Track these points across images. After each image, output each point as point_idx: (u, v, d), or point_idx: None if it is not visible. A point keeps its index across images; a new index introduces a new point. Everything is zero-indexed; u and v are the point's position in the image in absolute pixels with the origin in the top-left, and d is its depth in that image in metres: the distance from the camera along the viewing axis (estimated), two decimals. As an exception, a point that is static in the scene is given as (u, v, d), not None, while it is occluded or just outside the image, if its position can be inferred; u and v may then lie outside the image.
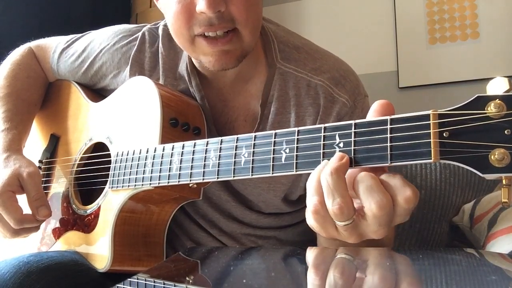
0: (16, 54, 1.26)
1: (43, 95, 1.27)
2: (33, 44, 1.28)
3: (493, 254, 0.82)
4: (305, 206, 0.63)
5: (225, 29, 0.86)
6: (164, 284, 0.55)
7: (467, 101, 0.54)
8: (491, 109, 0.52)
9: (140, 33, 1.11)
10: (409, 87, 2.35)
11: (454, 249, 1.24)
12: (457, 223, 1.42)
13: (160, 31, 1.10)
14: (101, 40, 1.15)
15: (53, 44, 1.24)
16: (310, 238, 0.98)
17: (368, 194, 0.57)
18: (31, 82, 1.23)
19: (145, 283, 0.56)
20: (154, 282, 0.56)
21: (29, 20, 2.14)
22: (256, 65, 1.01)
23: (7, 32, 2.02)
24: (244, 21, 0.87)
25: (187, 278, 0.59)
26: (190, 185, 0.88)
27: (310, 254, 0.71)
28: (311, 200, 0.61)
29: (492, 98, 0.53)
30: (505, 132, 0.51)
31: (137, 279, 0.57)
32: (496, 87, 0.53)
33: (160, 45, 1.08)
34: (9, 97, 1.17)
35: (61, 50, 1.21)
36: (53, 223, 1.11)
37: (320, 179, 0.60)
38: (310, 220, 0.63)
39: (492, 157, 0.52)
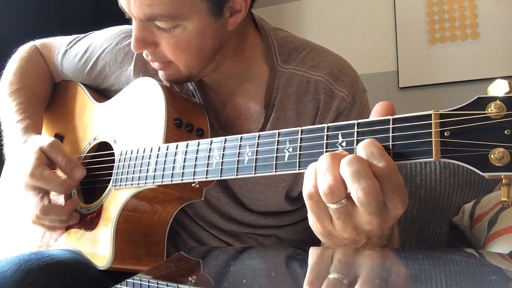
0: (23, 51, 1.26)
1: (50, 92, 1.28)
2: (38, 42, 1.29)
3: (493, 254, 0.82)
4: (305, 204, 0.63)
5: (158, 62, 0.93)
6: (167, 285, 0.55)
7: (468, 102, 0.55)
8: (492, 109, 0.53)
9: None
10: (409, 87, 2.35)
11: (454, 249, 1.24)
12: (457, 223, 1.42)
13: None
14: (103, 40, 1.16)
15: (57, 44, 1.25)
16: (311, 237, 0.99)
17: (356, 180, 0.57)
18: (39, 79, 1.24)
19: (148, 284, 0.56)
20: (157, 283, 0.56)
21: (29, 20, 2.13)
22: (254, 66, 1.01)
23: (7, 33, 2.02)
24: (174, 60, 0.92)
25: (189, 278, 0.59)
26: (193, 184, 0.89)
27: (310, 256, 0.70)
28: (306, 185, 0.62)
29: (493, 99, 0.54)
30: (505, 132, 0.52)
31: (140, 280, 0.57)
32: (497, 89, 0.54)
33: None
34: (20, 91, 1.18)
35: (64, 51, 1.22)
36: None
37: (316, 166, 0.61)
38: (309, 218, 0.64)
39: (492, 156, 0.53)
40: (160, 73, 0.97)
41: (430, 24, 2.34)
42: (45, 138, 1.04)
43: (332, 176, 0.59)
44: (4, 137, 1.14)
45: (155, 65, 0.94)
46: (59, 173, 1.02)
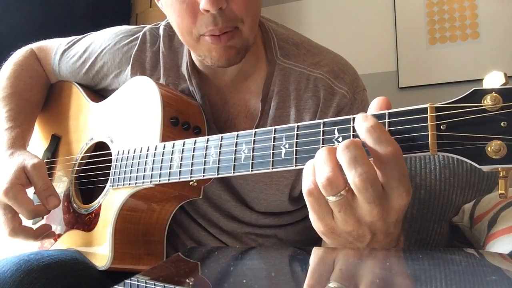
0: (18, 55, 1.26)
1: (45, 96, 1.27)
2: (34, 45, 1.29)
3: (493, 254, 0.82)
4: (306, 204, 0.63)
5: (228, 29, 0.88)
6: (164, 286, 0.55)
7: (464, 95, 0.55)
8: (488, 102, 0.53)
9: (141, 33, 1.12)
10: (409, 87, 2.35)
11: (454, 249, 1.24)
12: (457, 223, 1.42)
13: (161, 31, 1.11)
14: (102, 40, 1.16)
15: (54, 46, 1.25)
16: (310, 237, 0.98)
17: (353, 166, 0.57)
18: (33, 83, 1.24)
19: (146, 286, 0.56)
20: (155, 285, 0.56)
21: (30, 20, 2.14)
22: (257, 62, 1.02)
23: (7, 33, 2.02)
24: (244, 17, 0.88)
25: (187, 280, 0.59)
26: (191, 183, 0.89)
27: (311, 259, 0.70)
28: (305, 182, 0.61)
29: (488, 91, 0.53)
30: (501, 124, 0.52)
31: (138, 281, 0.56)
32: (492, 81, 0.54)
33: (161, 44, 1.09)
34: (12, 97, 1.18)
35: (62, 52, 1.22)
36: (55, 221, 1.11)
37: (313, 161, 0.61)
38: (311, 217, 0.63)
39: (489, 148, 0.53)
40: (215, 56, 0.91)
41: (430, 24, 2.34)
42: (31, 157, 1.03)
43: (330, 168, 0.58)
44: None
45: (222, 38, 0.89)
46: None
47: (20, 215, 1.00)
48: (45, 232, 1.03)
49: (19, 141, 1.09)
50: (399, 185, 0.58)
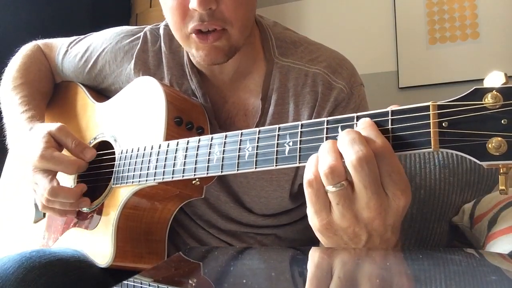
0: (26, 49, 1.28)
1: (52, 91, 1.29)
2: (40, 42, 1.30)
3: (493, 254, 0.82)
4: (304, 202, 0.63)
5: (215, 27, 0.89)
6: (164, 286, 0.55)
7: (465, 93, 0.56)
8: (488, 100, 0.54)
9: (142, 33, 1.13)
10: (409, 87, 2.35)
11: (454, 249, 1.24)
12: (457, 223, 1.42)
13: (161, 31, 1.12)
14: (103, 40, 1.17)
15: (58, 45, 1.26)
16: (309, 236, 0.99)
17: (350, 146, 0.58)
18: (42, 75, 1.25)
19: (145, 286, 0.56)
20: (156, 285, 0.56)
21: (29, 20, 2.14)
22: (255, 61, 1.03)
23: (7, 33, 2.02)
24: (233, 20, 0.89)
25: (187, 280, 0.59)
26: (193, 181, 0.89)
27: (311, 257, 0.70)
28: (306, 174, 0.62)
29: (489, 90, 0.55)
30: (502, 121, 0.54)
31: (141, 283, 0.56)
32: (493, 80, 0.55)
33: (162, 44, 1.10)
34: (23, 86, 1.19)
35: (65, 52, 1.23)
36: (56, 220, 1.11)
37: (317, 153, 0.62)
38: (308, 212, 0.64)
39: (490, 145, 0.54)
40: (202, 54, 0.93)
41: (430, 24, 2.34)
42: (52, 123, 1.04)
43: (333, 157, 0.59)
44: (7, 130, 1.15)
45: (209, 38, 0.90)
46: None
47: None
48: (82, 191, 1.01)
49: (37, 119, 1.11)
50: (391, 181, 0.59)
